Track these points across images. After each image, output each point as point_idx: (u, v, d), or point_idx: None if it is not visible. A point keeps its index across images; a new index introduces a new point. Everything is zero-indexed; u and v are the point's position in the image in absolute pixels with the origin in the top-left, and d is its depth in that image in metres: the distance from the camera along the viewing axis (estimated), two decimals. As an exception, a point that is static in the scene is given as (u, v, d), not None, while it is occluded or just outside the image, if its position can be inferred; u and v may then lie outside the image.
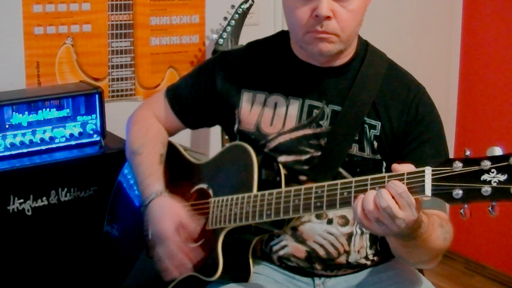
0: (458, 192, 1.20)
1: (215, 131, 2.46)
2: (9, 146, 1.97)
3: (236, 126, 1.70)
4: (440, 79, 3.23)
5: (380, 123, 1.60)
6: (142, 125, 1.81)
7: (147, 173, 1.72)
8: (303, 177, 1.61)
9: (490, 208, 1.18)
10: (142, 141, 1.77)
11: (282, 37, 1.71)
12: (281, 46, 1.70)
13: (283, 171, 1.60)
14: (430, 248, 1.45)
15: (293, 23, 1.56)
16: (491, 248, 3.25)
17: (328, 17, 1.49)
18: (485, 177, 1.17)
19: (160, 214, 1.63)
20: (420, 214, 1.34)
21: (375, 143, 1.60)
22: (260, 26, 2.65)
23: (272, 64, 1.70)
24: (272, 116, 1.66)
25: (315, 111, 1.63)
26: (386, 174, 1.29)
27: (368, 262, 1.68)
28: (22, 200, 1.93)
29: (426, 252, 1.48)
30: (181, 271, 1.60)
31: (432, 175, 1.23)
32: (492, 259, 3.24)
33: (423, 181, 1.24)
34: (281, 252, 1.65)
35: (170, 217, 1.61)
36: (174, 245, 1.59)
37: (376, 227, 1.30)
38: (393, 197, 1.26)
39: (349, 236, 1.63)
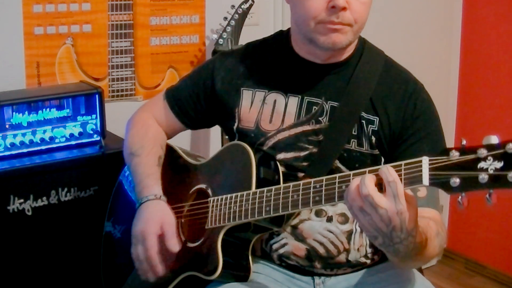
0: (455, 181, 1.19)
1: (215, 132, 2.46)
2: (9, 146, 1.97)
3: (235, 125, 1.70)
4: (440, 78, 3.23)
5: (378, 118, 1.61)
6: (141, 128, 1.82)
7: (145, 174, 1.72)
8: (301, 174, 1.62)
9: (487, 196, 1.17)
10: (140, 143, 1.78)
11: (280, 36, 1.72)
12: (281, 44, 1.70)
13: (281, 169, 1.60)
14: (426, 258, 1.47)
15: (304, 13, 1.55)
16: (491, 248, 3.25)
17: (344, 8, 1.50)
18: (481, 165, 1.17)
19: (150, 215, 1.63)
20: (420, 233, 1.35)
21: (373, 138, 1.61)
22: (260, 26, 2.65)
23: (271, 62, 1.70)
24: (271, 113, 1.66)
25: (314, 108, 1.63)
26: (384, 166, 1.29)
27: (368, 261, 1.68)
28: (22, 200, 1.93)
29: (422, 262, 1.52)
30: (154, 274, 1.61)
31: (430, 164, 1.23)
32: (492, 259, 3.24)
33: (421, 170, 1.23)
34: (281, 251, 1.65)
35: (157, 221, 1.61)
36: (151, 249, 1.59)
37: (362, 217, 1.29)
38: (381, 184, 1.26)
39: (349, 234, 1.63)
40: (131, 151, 1.78)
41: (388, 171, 1.25)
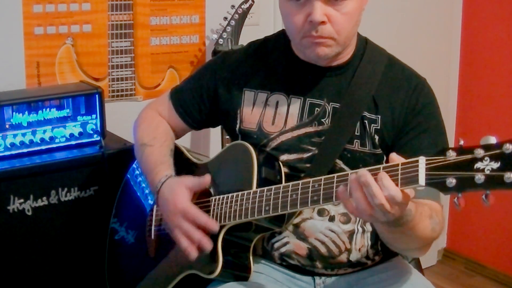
0: (451, 181, 1.19)
1: (215, 131, 2.46)
2: (9, 146, 1.97)
3: (238, 126, 1.71)
4: (440, 78, 3.22)
5: (379, 117, 1.61)
6: (151, 122, 1.83)
7: (158, 162, 1.71)
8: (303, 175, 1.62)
9: (484, 197, 1.16)
10: (153, 135, 1.78)
11: (282, 37, 1.72)
12: (282, 45, 1.71)
13: (283, 170, 1.61)
14: (417, 236, 1.45)
15: (290, 28, 1.58)
16: (491, 248, 3.25)
17: (322, 22, 1.50)
18: (478, 165, 1.16)
19: (171, 193, 1.61)
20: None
21: (376, 137, 1.61)
22: (260, 26, 2.65)
23: (273, 63, 1.70)
24: (273, 115, 1.66)
25: (317, 109, 1.63)
26: (381, 166, 1.29)
27: (369, 262, 1.68)
28: (22, 200, 1.93)
29: (413, 240, 1.47)
30: (200, 248, 1.56)
31: (426, 164, 1.23)
32: (492, 259, 3.24)
33: (417, 170, 1.23)
34: (283, 249, 1.65)
35: (181, 192, 1.59)
36: (190, 220, 1.55)
37: (367, 219, 1.31)
38: None
39: (351, 234, 1.63)
40: (142, 142, 1.78)
41: (383, 185, 1.25)
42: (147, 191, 1.86)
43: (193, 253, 1.56)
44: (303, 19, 1.52)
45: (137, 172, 1.92)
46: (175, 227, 1.59)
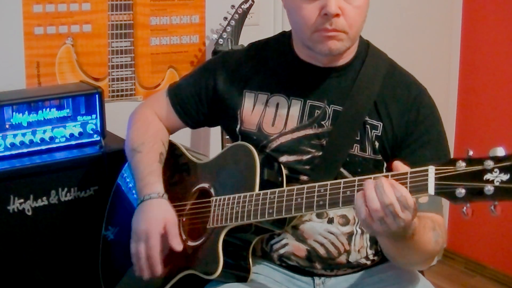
0: (461, 191, 1.20)
1: (215, 131, 2.46)
2: (9, 146, 1.97)
3: (238, 127, 1.70)
4: (440, 79, 3.23)
5: (381, 124, 1.60)
6: (143, 124, 1.82)
7: (147, 171, 1.72)
8: (304, 177, 1.62)
9: (492, 208, 1.18)
10: (142, 139, 1.78)
11: (283, 38, 1.72)
12: (283, 46, 1.70)
13: (284, 171, 1.61)
14: (421, 249, 1.46)
15: (299, 23, 1.55)
16: (491, 248, 3.25)
17: (337, 15, 1.50)
18: (488, 176, 1.18)
19: (153, 214, 1.64)
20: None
21: (377, 143, 1.61)
22: (260, 26, 2.65)
23: (274, 64, 1.70)
24: (274, 116, 1.66)
25: (317, 111, 1.63)
26: (389, 174, 1.30)
27: (368, 262, 1.68)
28: (22, 200, 1.93)
29: (416, 253, 1.48)
30: (152, 273, 1.62)
31: (436, 174, 1.24)
32: (492, 259, 3.24)
33: (427, 179, 1.24)
34: (282, 251, 1.65)
35: (161, 221, 1.62)
36: (154, 248, 1.60)
37: (378, 226, 1.30)
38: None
39: (350, 236, 1.63)
40: (132, 147, 1.79)
41: (394, 187, 1.26)
42: (131, 185, 1.85)
43: (145, 274, 1.64)
44: (316, 12, 1.51)
45: (125, 174, 1.92)
46: (139, 242, 1.63)
